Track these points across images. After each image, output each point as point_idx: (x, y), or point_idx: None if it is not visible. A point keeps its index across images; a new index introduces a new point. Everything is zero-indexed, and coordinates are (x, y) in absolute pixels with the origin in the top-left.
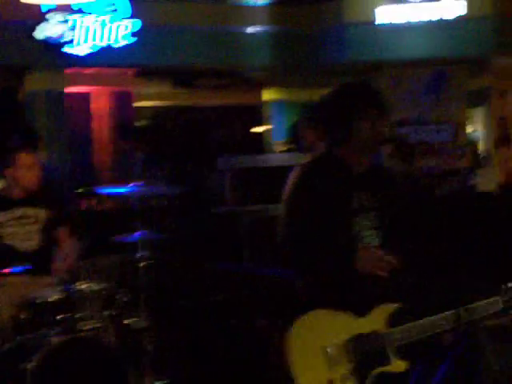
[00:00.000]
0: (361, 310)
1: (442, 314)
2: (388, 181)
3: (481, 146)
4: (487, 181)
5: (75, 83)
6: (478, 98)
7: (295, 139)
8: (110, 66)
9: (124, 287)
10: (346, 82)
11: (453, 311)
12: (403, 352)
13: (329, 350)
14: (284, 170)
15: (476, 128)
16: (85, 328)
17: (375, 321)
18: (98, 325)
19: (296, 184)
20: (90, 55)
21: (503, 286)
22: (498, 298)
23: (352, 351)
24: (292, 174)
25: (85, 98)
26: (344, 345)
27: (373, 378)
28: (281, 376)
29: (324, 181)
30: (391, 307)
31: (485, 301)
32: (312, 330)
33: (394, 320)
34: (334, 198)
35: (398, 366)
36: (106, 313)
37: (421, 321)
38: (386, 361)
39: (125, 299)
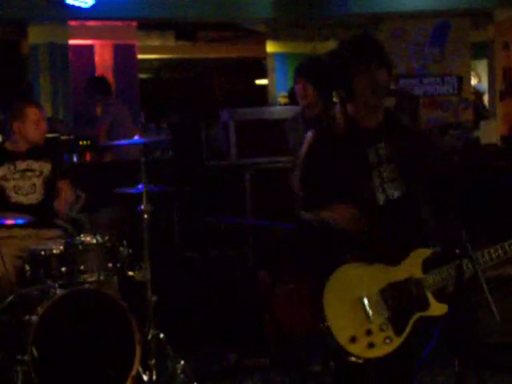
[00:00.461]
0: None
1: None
2: (402, 131)
3: (485, 99)
4: (491, 133)
5: (79, 36)
6: (481, 50)
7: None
8: (113, 18)
9: (127, 239)
10: (346, 39)
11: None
12: (440, 296)
13: (365, 300)
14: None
15: (480, 80)
16: (88, 280)
17: (409, 267)
18: (102, 277)
19: (307, 153)
20: (93, 7)
21: (499, 244)
22: (504, 243)
23: (389, 299)
24: (307, 136)
25: (88, 50)
26: (380, 294)
27: (413, 324)
28: (281, 328)
29: (337, 143)
30: (425, 251)
31: (491, 248)
32: (347, 282)
33: (428, 265)
34: (347, 157)
35: (438, 308)
36: (109, 265)
37: (448, 265)
38: (425, 305)
39: (128, 251)
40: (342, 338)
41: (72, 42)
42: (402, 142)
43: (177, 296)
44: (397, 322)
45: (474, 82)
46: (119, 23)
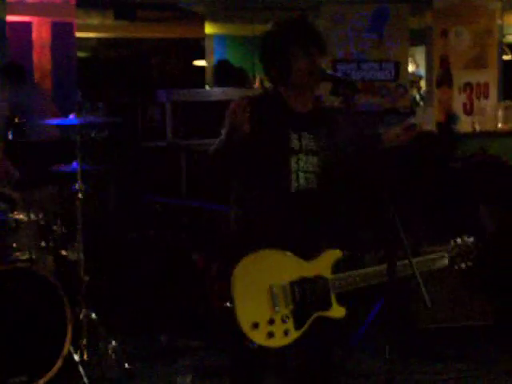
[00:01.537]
0: (295, 251)
1: (385, 265)
2: (331, 124)
3: (422, 85)
4: (427, 120)
5: (17, 12)
6: (420, 37)
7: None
8: None
9: (61, 218)
10: (282, 19)
11: (398, 263)
12: (343, 298)
13: (274, 289)
14: (224, 105)
15: (417, 67)
16: (21, 258)
17: (321, 265)
18: (34, 255)
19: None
20: None
21: (452, 242)
22: (444, 253)
23: (295, 293)
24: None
25: (26, 27)
26: (288, 286)
27: (311, 322)
28: (214, 310)
29: (262, 117)
30: (337, 253)
31: (431, 256)
32: (260, 267)
33: (338, 266)
34: (270, 135)
35: (337, 311)
36: (42, 243)
37: (365, 269)
38: (327, 306)
39: (62, 230)
40: (245, 322)
41: (10, 18)
42: (328, 132)
43: (110, 276)
44: (298, 317)
45: (411, 68)
46: (58, 1)
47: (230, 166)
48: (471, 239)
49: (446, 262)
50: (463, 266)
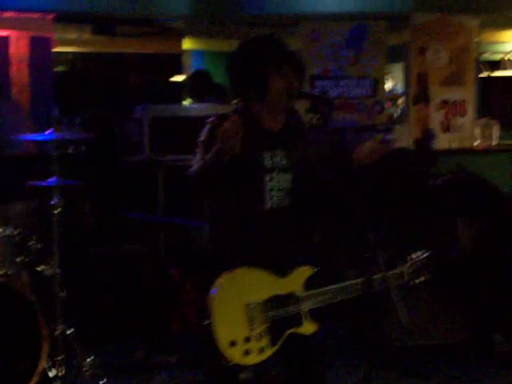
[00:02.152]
0: (267, 267)
1: (354, 281)
2: (303, 141)
3: (399, 102)
4: (404, 137)
5: None
6: (397, 54)
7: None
8: (29, 10)
9: (37, 234)
10: (253, 37)
11: (363, 279)
12: (315, 314)
13: (250, 307)
14: (202, 121)
15: (395, 84)
16: None
17: (293, 282)
18: (10, 271)
19: (207, 137)
20: None
21: (408, 258)
22: (403, 269)
23: (268, 311)
24: (205, 127)
25: (4, 41)
26: (263, 304)
27: (285, 338)
28: (189, 326)
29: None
30: (308, 270)
31: (391, 272)
32: (237, 286)
33: (310, 283)
34: (243, 155)
35: (308, 327)
36: (18, 259)
37: (336, 285)
38: (298, 322)
39: (37, 246)
40: (223, 340)
41: None
42: (301, 148)
43: (86, 292)
44: (272, 334)
45: (389, 85)
46: (36, 15)
47: (216, 185)
48: (426, 254)
49: (405, 277)
50: (418, 281)
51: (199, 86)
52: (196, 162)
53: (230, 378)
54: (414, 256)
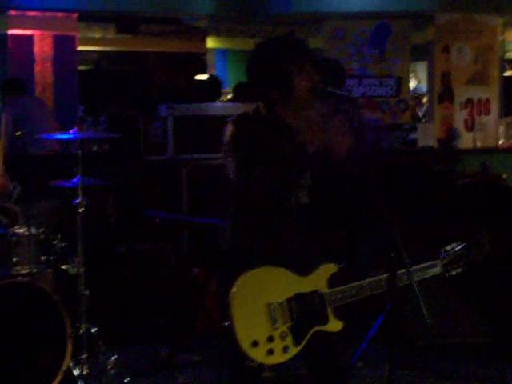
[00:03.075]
0: (292, 267)
1: (381, 276)
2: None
3: (423, 101)
4: (428, 136)
5: (18, 26)
6: (421, 53)
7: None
8: (53, 9)
9: (61, 233)
10: (272, 37)
11: (388, 275)
12: (340, 311)
13: (272, 306)
14: (226, 120)
15: (418, 83)
16: (21, 272)
17: (316, 280)
18: (34, 270)
19: (232, 137)
20: None
21: (442, 250)
22: (436, 261)
23: (292, 309)
24: (226, 127)
25: (28, 41)
26: (287, 302)
27: (310, 337)
28: (214, 325)
29: (264, 137)
30: (332, 267)
31: (423, 264)
32: (257, 285)
33: (334, 280)
34: (275, 156)
35: (334, 325)
36: (43, 258)
37: (360, 282)
38: (324, 320)
39: (62, 245)
40: (245, 341)
41: (12, 31)
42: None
43: (110, 291)
44: (297, 333)
45: (413, 84)
46: (60, 14)
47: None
48: (461, 246)
49: (438, 269)
50: (454, 272)
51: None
52: (234, 167)
53: (254, 378)
54: (448, 248)
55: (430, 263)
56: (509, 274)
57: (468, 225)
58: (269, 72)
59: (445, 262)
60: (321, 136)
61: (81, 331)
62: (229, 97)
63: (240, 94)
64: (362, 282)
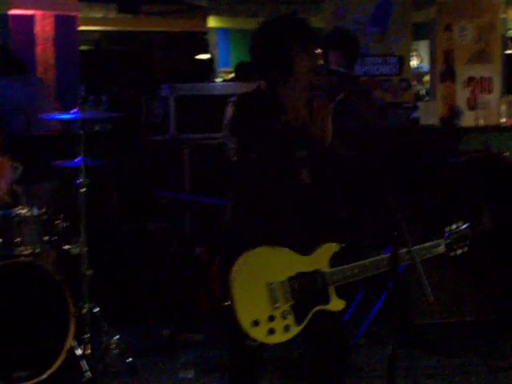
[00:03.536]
0: (292, 245)
1: (383, 256)
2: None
3: (425, 80)
4: (430, 114)
5: (19, 6)
6: (423, 31)
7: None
8: None
9: (64, 213)
10: (275, 16)
11: (390, 254)
12: (342, 290)
13: (273, 285)
14: (228, 99)
15: (420, 62)
16: (23, 253)
17: (318, 259)
18: (37, 250)
19: (232, 117)
20: None
21: (447, 229)
22: (440, 240)
23: (294, 288)
24: (228, 107)
25: (29, 21)
26: (288, 281)
27: (311, 316)
28: (216, 304)
29: (258, 116)
30: (334, 246)
31: (427, 243)
32: (257, 265)
33: (336, 259)
34: (270, 136)
35: (336, 304)
36: (45, 238)
37: (362, 261)
38: (325, 299)
39: (64, 225)
40: (245, 320)
41: (12, 11)
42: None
43: (113, 270)
44: (298, 312)
45: (415, 62)
46: None
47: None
48: (466, 225)
49: (442, 248)
50: (459, 251)
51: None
52: (233, 148)
53: (255, 358)
54: (453, 227)
55: (434, 242)
56: (510, 250)
57: (470, 202)
58: (271, 50)
59: (449, 241)
60: (304, 115)
61: (83, 311)
62: (231, 76)
63: (242, 73)
64: (364, 261)
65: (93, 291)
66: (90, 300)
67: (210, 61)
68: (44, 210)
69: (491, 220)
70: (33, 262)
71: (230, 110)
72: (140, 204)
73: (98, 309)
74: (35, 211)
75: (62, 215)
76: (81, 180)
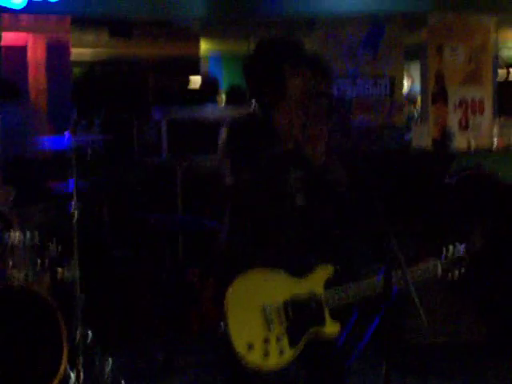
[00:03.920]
0: (288, 268)
1: (378, 278)
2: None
3: (417, 101)
4: (422, 136)
5: (11, 29)
6: (414, 53)
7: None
8: (46, 13)
9: (56, 236)
10: (269, 39)
11: (384, 276)
12: (337, 313)
13: (268, 308)
14: (219, 122)
15: (412, 83)
16: (16, 277)
17: (313, 282)
18: (30, 274)
19: (227, 140)
20: (26, 2)
21: (444, 251)
22: (437, 262)
23: (288, 311)
24: (222, 130)
25: (22, 46)
26: (282, 304)
27: (307, 339)
28: (209, 327)
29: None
30: (329, 269)
31: (423, 265)
32: (252, 288)
33: (331, 281)
34: (266, 159)
35: (331, 327)
36: (38, 262)
37: (357, 283)
38: (320, 322)
39: (57, 249)
40: (240, 343)
41: (5, 36)
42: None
43: (106, 293)
44: (293, 335)
45: (407, 84)
46: (53, 18)
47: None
48: (463, 246)
49: (439, 270)
50: (457, 273)
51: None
52: (228, 172)
53: (250, 381)
54: (450, 248)
55: (430, 264)
56: (502, 270)
57: (462, 222)
58: (264, 73)
59: (446, 262)
60: (298, 137)
61: (77, 335)
62: (223, 99)
63: (233, 96)
64: (359, 283)
65: (86, 315)
66: (83, 324)
67: (211, 83)
68: (37, 234)
69: (482, 240)
70: (25, 287)
71: (224, 134)
72: (132, 226)
73: (91, 333)
74: (28, 235)
75: (54, 239)
76: (73, 203)
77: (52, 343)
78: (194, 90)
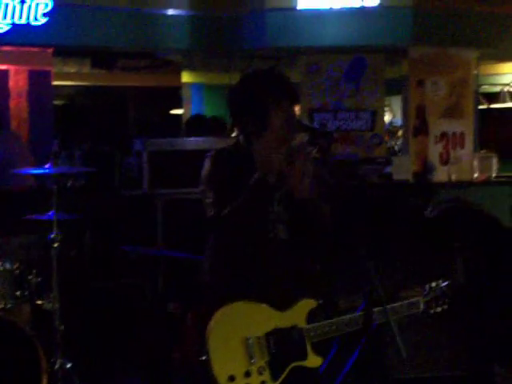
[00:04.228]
0: (271, 303)
1: (361, 313)
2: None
3: (398, 135)
4: (403, 169)
5: None
6: (395, 87)
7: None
8: (28, 44)
9: (36, 267)
10: (253, 71)
11: (364, 312)
12: (319, 347)
13: (250, 341)
14: (201, 154)
15: (393, 116)
16: None
17: (295, 315)
18: (9, 305)
19: (210, 172)
20: (9, 32)
21: (426, 286)
22: (419, 298)
23: (270, 344)
24: (205, 162)
25: (3, 75)
26: (264, 337)
27: (288, 372)
28: (191, 360)
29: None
30: (311, 302)
31: (405, 301)
32: (234, 320)
33: (313, 315)
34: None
35: (313, 360)
36: (17, 293)
37: (339, 318)
38: (302, 355)
39: (37, 279)
40: (221, 375)
41: None
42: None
43: (85, 326)
44: (275, 368)
45: (388, 117)
46: (35, 49)
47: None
48: (445, 283)
49: (420, 306)
50: (438, 309)
51: (195, 127)
52: (210, 203)
53: None
54: (433, 285)
55: (412, 300)
56: (484, 304)
57: (444, 255)
58: (246, 105)
59: (428, 298)
60: (281, 169)
61: (56, 366)
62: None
63: (215, 128)
64: (342, 317)
65: (65, 346)
66: (63, 355)
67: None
68: (17, 265)
69: (464, 274)
70: (5, 317)
71: (207, 165)
72: (113, 259)
73: (70, 364)
74: (8, 266)
75: (34, 270)
76: (53, 235)
77: (31, 374)
78: (176, 121)
